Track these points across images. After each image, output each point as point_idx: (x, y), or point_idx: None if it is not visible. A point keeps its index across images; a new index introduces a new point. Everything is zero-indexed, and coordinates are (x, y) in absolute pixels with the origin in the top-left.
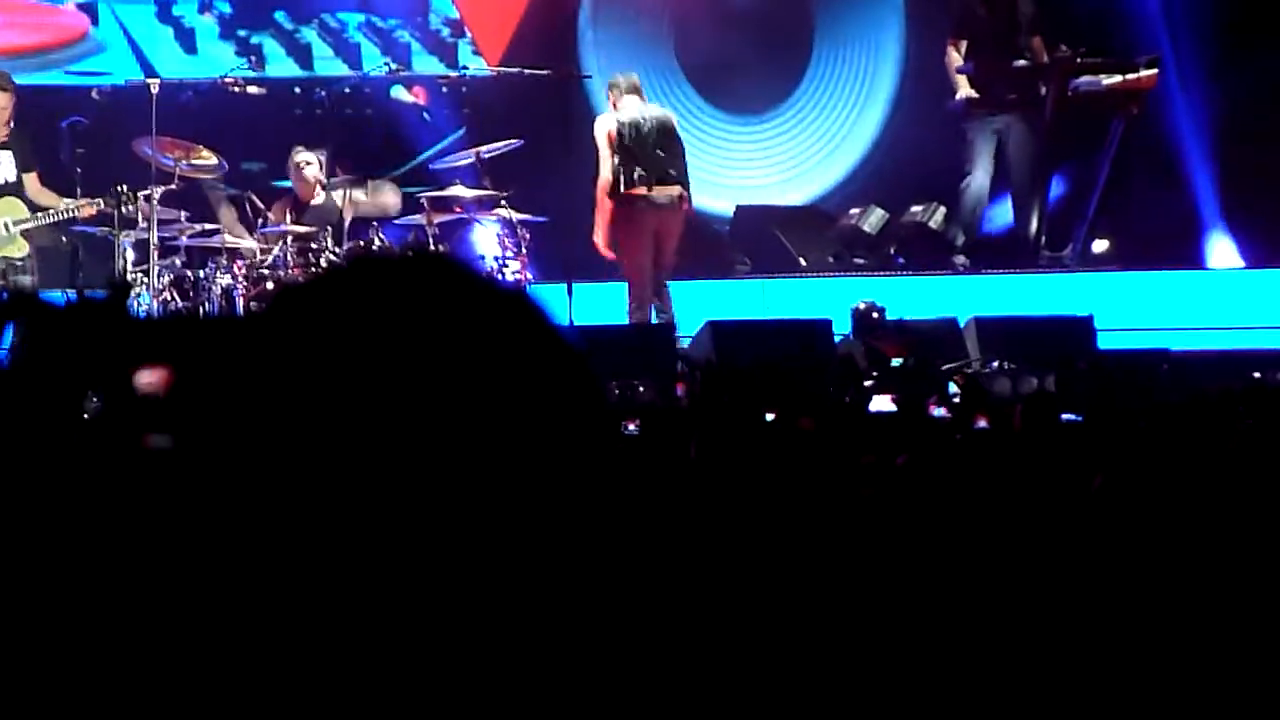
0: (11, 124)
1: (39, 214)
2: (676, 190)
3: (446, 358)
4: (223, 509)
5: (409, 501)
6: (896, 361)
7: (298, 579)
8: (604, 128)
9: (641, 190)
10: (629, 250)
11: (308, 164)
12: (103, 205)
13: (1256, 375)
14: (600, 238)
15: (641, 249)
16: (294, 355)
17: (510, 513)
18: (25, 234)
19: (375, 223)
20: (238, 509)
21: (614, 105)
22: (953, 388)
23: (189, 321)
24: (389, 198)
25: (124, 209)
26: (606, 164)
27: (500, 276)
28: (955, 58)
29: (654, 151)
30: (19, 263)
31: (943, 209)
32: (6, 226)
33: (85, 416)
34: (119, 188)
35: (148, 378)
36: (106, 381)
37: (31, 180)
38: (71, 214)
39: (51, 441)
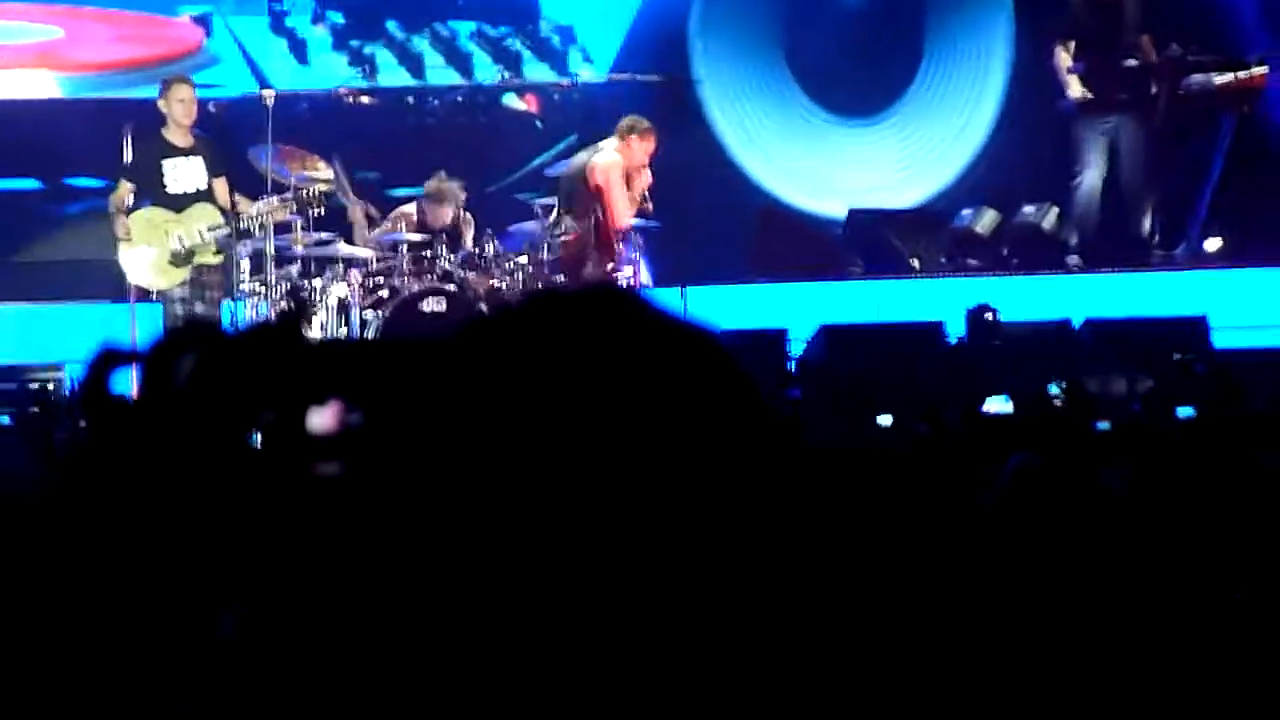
0: (195, 127)
1: (232, 219)
2: None
3: (633, 396)
4: (398, 540)
5: (601, 541)
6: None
7: (476, 614)
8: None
9: None
10: None
11: (455, 194)
12: (294, 208)
13: None
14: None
15: None
16: (481, 391)
17: (701, 552)
18: (220, 240)
19: (489, 230)
20: (415, 541)
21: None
22: (1054, 389)
23: (365, 348)
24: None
25: (311, 210)
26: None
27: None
28: (1064, 58)
29: None
30: (210, 271)
31: (1055, 209)
32: (201, 234)
33: (254, 445)
34: (304, 191)
35: (319, 419)
36: (277, 409)
37: (221, 185)
38: (264, 218)
39: (220, 470)
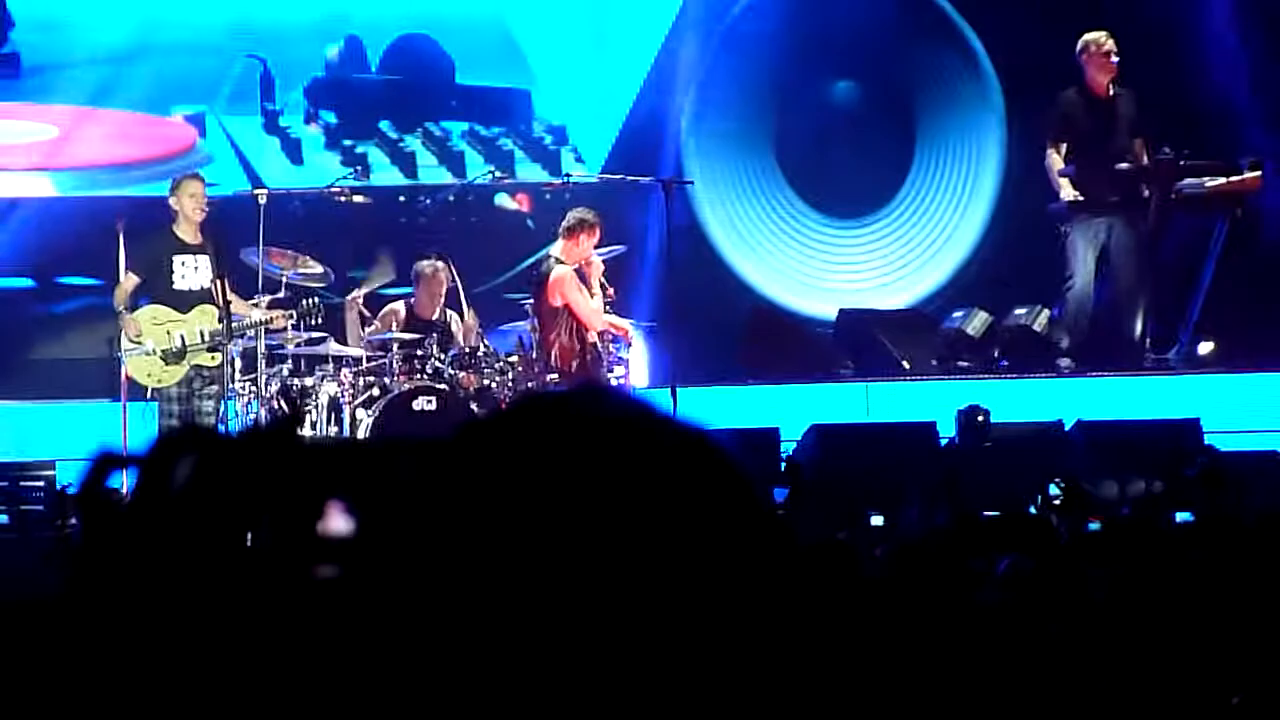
0: (202, 227)
1: (231, 323)
2: None
3: (628, 498)
4: (395, 641)
5: (598, 642)
6: None
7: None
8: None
9: None
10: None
11: (442, 277)
12: (293, 317)
13: None
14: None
15: None
16: (478, 494)
17: (696, 659)
18: (212, 340)
19: (480, 329)
20: (413, 642)
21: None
22: (1054, 489)
23: (360, 449)
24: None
25: (311, 319)
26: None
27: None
28: (1056, 160)
29: None
30: (208, 372)
31: (1046, 311)
32: (202, 335)
33: (252, 548)
34: (306, 300)
35: (332, 522)
36: (276, 512)
37: (221, 284)
38: (264, 324)
39: (219, 573)
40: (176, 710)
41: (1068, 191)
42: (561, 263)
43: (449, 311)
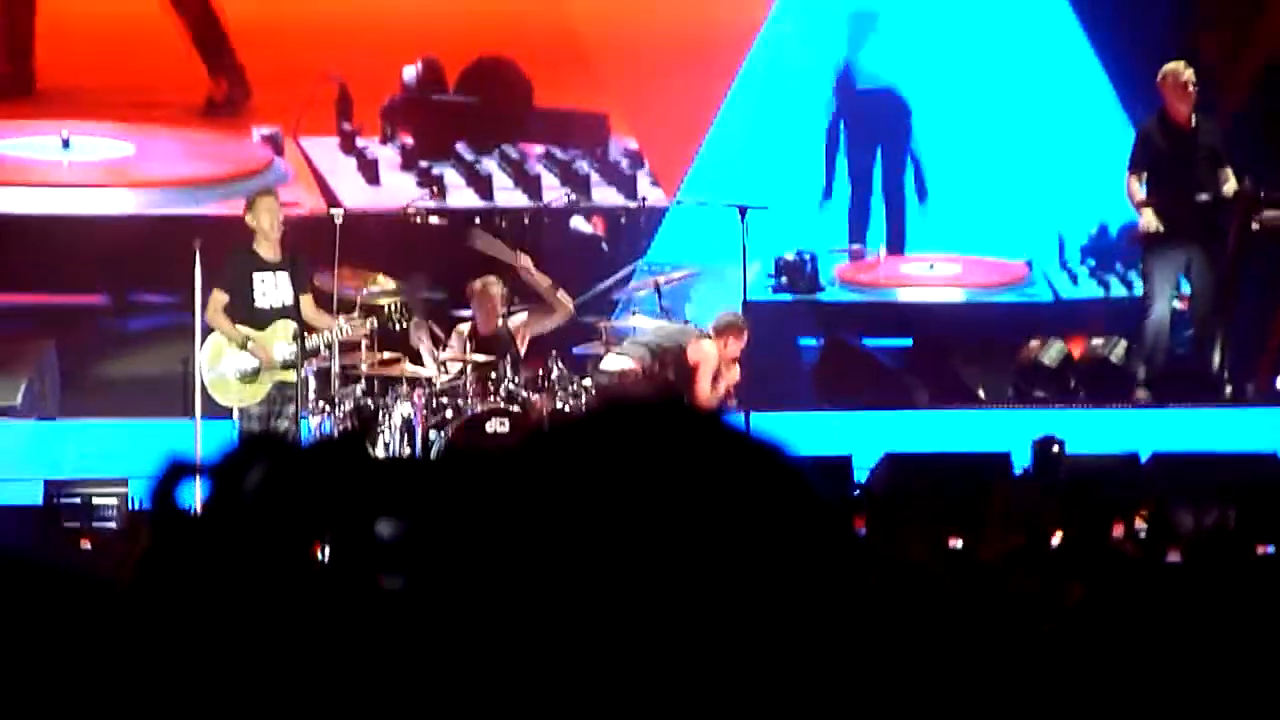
0: (281, 243)
1: (313, 336)
2: None
3: (703, 513)
4: (460, 652)
5: (667, 659)
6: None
7: None
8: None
9: None
10: None
11: (495, 292)
12: (375, 325)
13: None
14: None
15: None
16: (545, 504)
17: (766, 673)
18: (287, 360)
19: (553, 350)
20: (476, 654)
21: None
22: (1138, 522)
23: (429, 462)
24: (556, 315)
25: (395, 326)
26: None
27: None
28: (1136, 190)
29: None
30: (290, 391)
31: (1124, 342)
32: (282, 352)
33: (320, 558)
34: (386, 308)
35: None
36: (342, 523)
37: (307, 303)
38: (344, 335)
39: (285, 582)
40: (235, 709)
41: (1147, 221)
42: (706, 339)
43: (508, 321)
